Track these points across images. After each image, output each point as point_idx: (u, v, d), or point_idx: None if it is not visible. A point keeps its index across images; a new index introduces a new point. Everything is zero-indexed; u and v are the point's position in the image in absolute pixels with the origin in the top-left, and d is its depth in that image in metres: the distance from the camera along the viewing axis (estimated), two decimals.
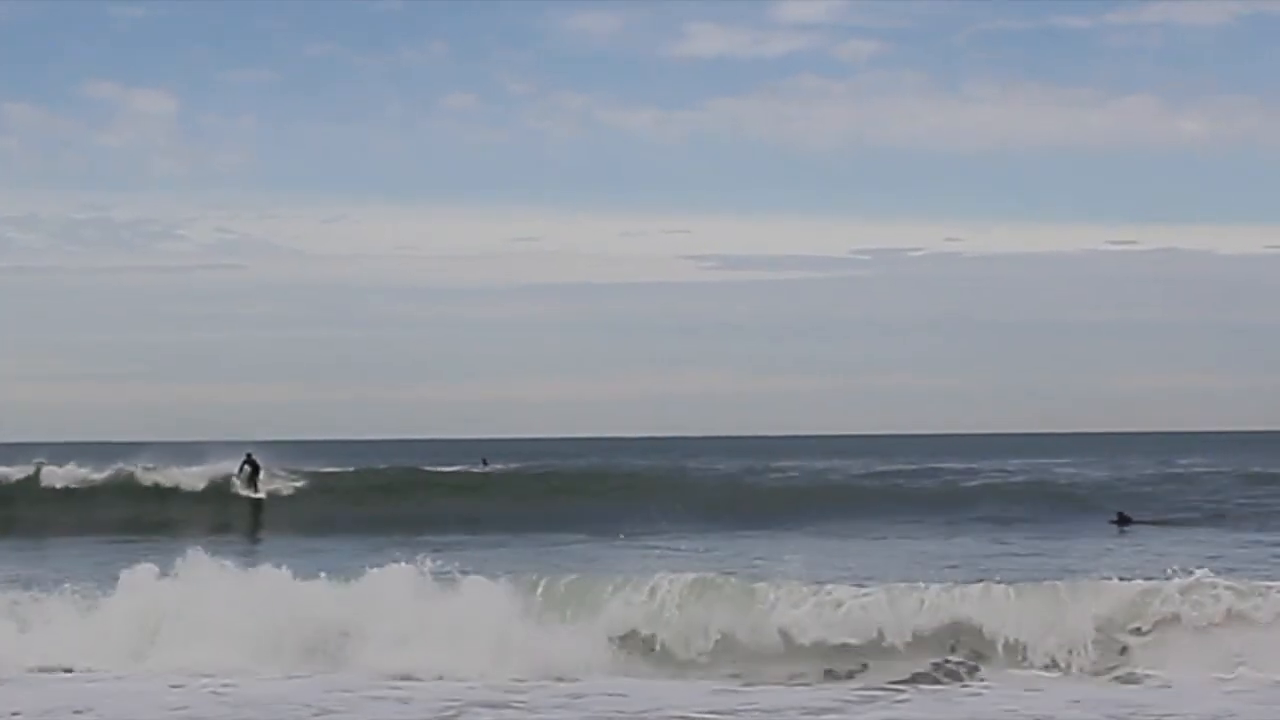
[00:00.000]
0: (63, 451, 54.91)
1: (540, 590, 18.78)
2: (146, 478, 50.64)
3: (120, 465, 51.21)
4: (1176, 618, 17.33)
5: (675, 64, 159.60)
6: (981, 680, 16.71)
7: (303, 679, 17.08)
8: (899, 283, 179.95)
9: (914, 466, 65.01)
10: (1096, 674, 16.86)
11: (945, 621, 17.59)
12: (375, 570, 19.09)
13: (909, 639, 17.50)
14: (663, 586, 18.44)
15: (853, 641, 17.57)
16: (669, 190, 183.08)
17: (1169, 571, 18.06)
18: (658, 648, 17.90)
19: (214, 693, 16.35)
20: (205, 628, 18.16)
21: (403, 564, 19.04)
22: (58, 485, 50.09)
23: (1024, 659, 17.17)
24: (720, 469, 63.99)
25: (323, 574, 19.43)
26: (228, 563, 19.78)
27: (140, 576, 19.45)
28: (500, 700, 15.77)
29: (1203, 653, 16.87)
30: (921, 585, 18.47)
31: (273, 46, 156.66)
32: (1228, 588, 17.61)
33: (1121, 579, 18.40)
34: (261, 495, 49.14)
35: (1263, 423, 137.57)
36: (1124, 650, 17.16)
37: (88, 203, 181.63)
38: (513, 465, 64.95)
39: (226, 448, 51.76)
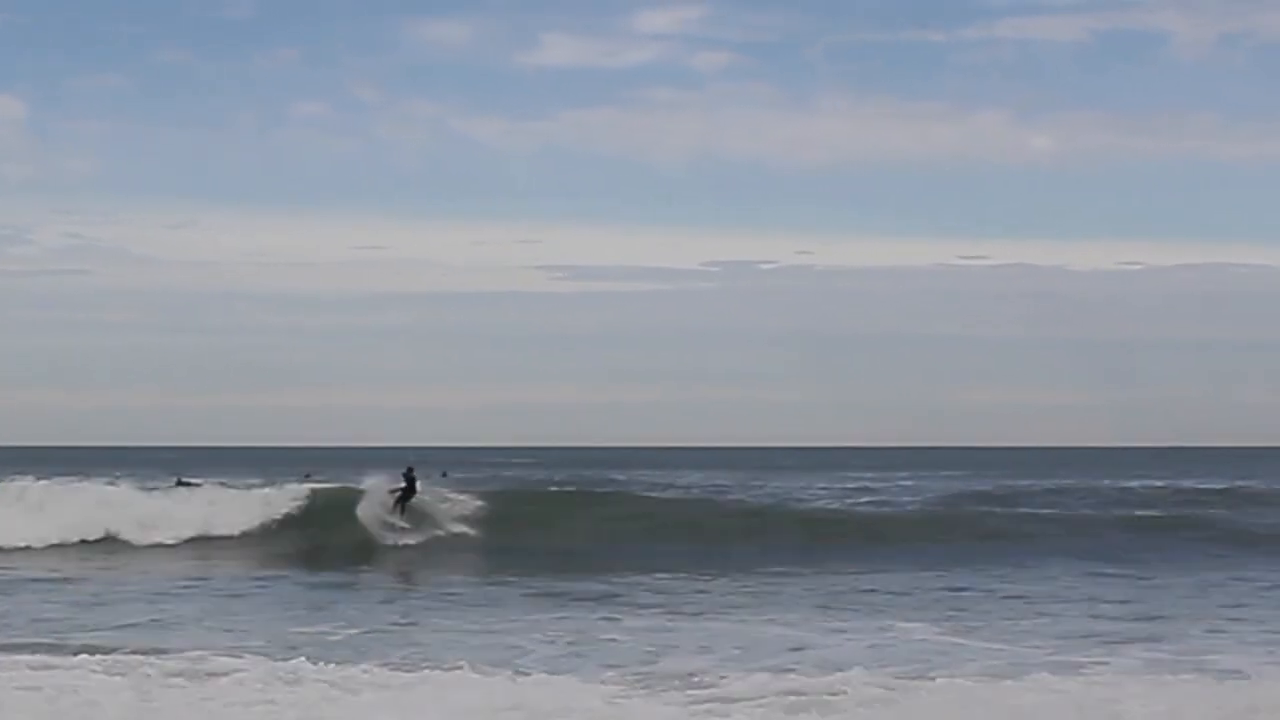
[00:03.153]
0: None
1: None
2: None
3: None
4: None
5: (527, 74, 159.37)
6: None
7: None
8: (750, 295, 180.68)
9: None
10: None
11: None
12: None
13: None
14: None
15: None
16: (520, 200, 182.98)
17: None
18: None
19: None
20: None
21: None
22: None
23: None
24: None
25: None
26: None
27: None
28: None
29: None
30: None
31: (124, 52, 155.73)
32: None
33: None
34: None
35: (1111, 438, 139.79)
36: None
37: None
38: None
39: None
